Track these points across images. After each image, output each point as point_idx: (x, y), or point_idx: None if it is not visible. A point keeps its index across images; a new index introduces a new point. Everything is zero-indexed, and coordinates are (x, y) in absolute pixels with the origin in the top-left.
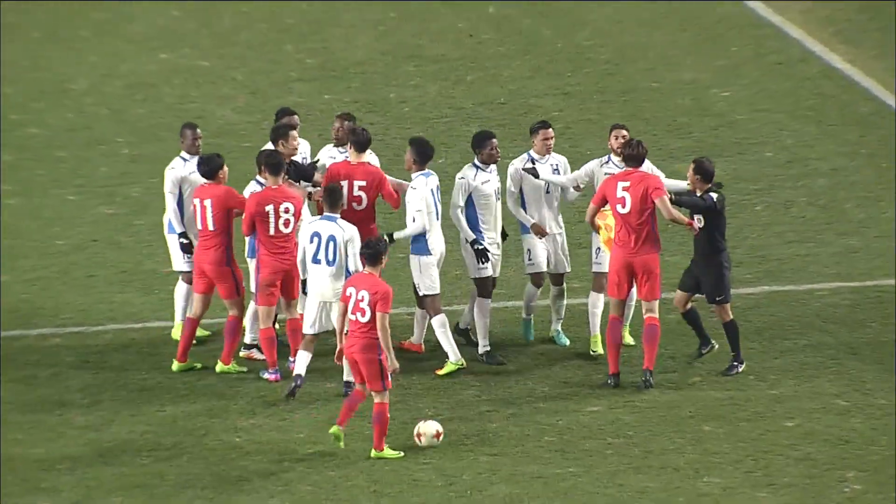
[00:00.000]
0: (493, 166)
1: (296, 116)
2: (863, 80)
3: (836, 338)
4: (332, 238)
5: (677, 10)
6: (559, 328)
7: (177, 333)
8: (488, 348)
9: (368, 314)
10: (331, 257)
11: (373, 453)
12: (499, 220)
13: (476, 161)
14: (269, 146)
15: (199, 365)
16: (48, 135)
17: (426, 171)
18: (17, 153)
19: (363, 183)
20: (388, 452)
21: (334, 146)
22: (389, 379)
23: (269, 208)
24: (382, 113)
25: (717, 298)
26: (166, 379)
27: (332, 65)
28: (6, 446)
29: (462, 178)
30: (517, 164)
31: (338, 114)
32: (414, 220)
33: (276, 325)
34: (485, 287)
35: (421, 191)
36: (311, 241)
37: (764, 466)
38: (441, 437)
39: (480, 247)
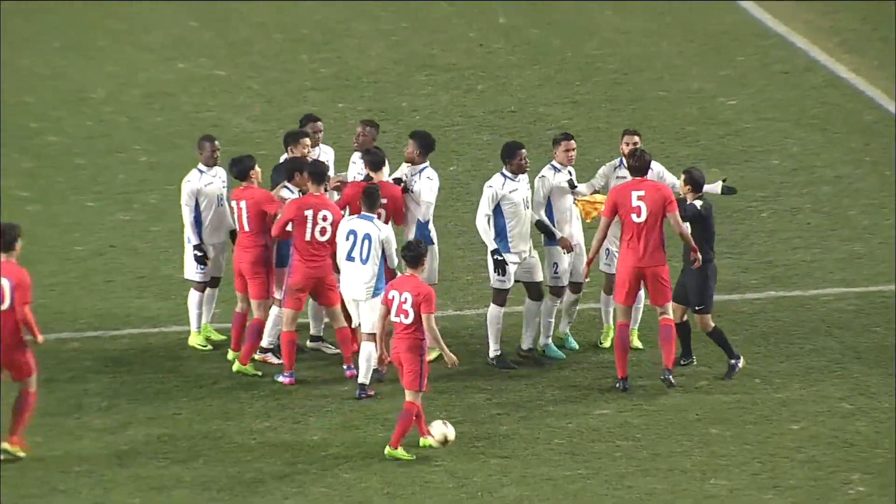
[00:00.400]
0: (523, 176)
1: (319, 123)
2: (867, 90)
3: (841, 342)
4: (367, 236)
5: (683, 20)
6: (567, 331)
7: (194, 341)
8: (499, 353)
9: (412, 316)
10: (365, 255)
11: (387, 450)
12: (527, 229)
13: (505, 171)
14: (286, 155)
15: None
16: (67, 142)
17: (427, 163)
18: (37, 160)
19: (384, 201)
20: (400, 452)
21: (356, 151)
22: (426, 381)
23: (309, 213)
24: (395, 121)
25: (697, 308)
26: (182, 382)
27: (345, 74)
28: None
29: (490, 186)
30: (546, 174)
31: (361, 119)
32: (424, 206)
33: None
34: (500, 296)
35: (437, 182)
36: (347, 239)
37: (770, 469)
38: (447, 445)
39: (500, 258)
